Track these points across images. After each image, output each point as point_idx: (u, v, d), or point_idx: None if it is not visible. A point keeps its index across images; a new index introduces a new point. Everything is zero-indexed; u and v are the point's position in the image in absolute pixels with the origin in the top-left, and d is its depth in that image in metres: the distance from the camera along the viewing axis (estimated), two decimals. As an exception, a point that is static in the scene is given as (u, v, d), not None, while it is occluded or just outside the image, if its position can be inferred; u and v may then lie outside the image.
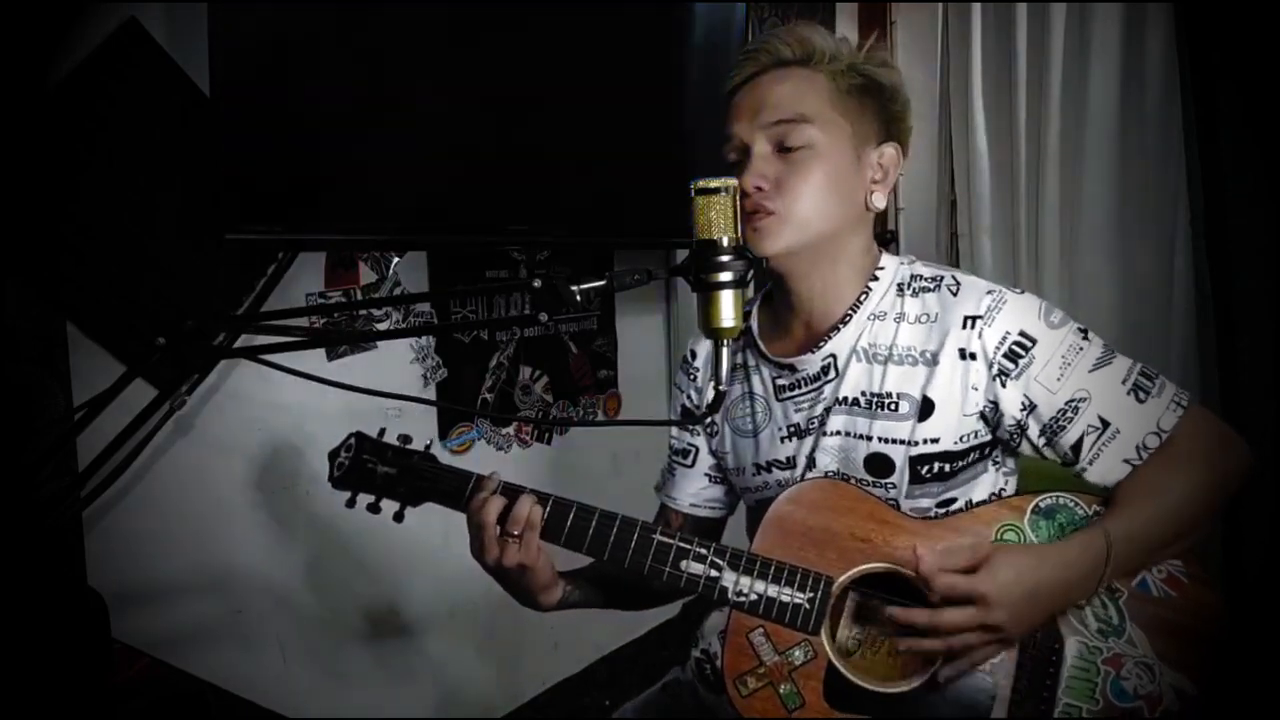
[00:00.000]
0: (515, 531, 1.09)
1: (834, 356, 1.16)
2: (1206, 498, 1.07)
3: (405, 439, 1.20)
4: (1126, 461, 1.07)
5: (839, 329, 1.15)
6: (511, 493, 1.12)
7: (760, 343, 1.22)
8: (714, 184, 0.97)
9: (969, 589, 0.99)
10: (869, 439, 1.13)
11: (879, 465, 1.13)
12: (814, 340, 1.17)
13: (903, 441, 1.11)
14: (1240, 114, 2.16)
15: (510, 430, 2.28)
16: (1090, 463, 1.08)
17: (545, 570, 1.14)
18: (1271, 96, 2.03)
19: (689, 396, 1.34)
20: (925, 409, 1.11)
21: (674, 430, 1.35)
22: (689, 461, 1.33)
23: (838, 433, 1.15)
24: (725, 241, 0.97)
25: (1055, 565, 1.02)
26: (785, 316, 1.21)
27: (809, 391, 1.18)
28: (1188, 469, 1.06)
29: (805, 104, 1.11)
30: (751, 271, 0.99)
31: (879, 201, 1.15)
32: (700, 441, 1.32)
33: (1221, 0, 2.14)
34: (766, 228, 1.10)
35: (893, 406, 1.12)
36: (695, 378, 1.33)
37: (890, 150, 1.16)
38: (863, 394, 1.14)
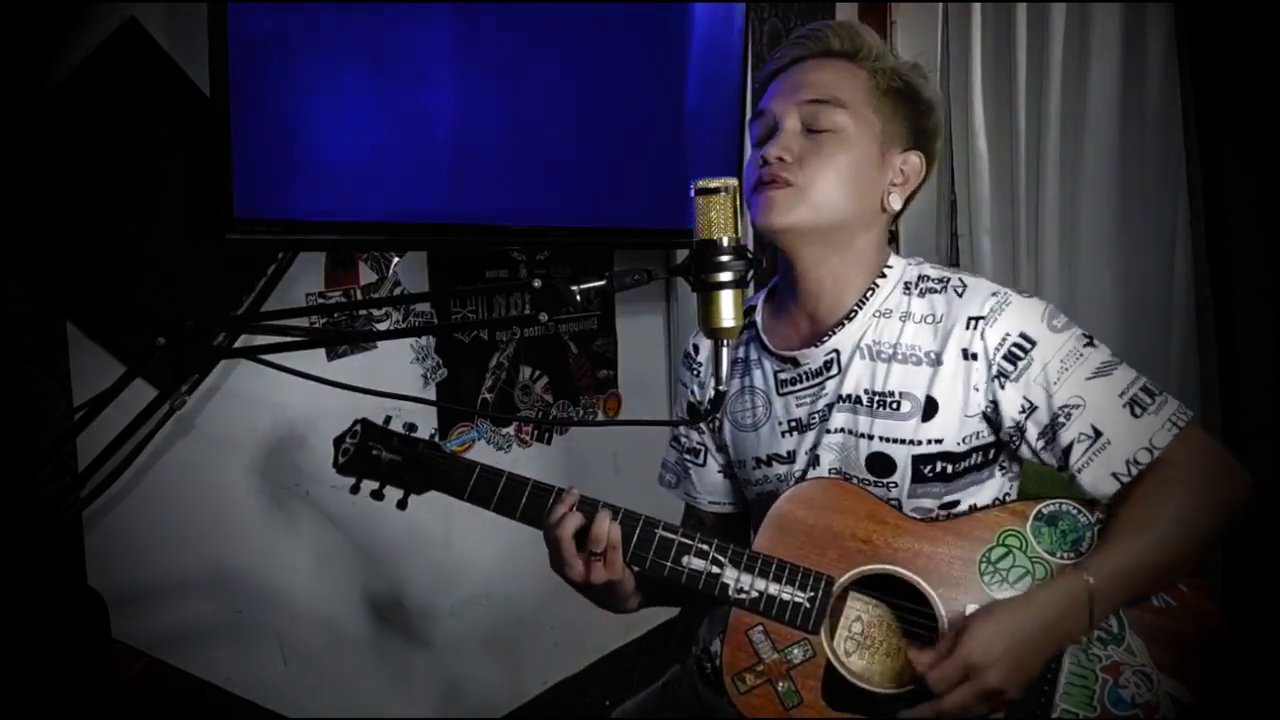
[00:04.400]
0: (597, 550, 1.08)
1: (837, 352, 1.16)
2: (1198, 530, 1.04)
3: (411, 427, 1.21)
4: (1115, 476, 1.06)
5: (843, 324, 1.15)
6: (588, 509, 1.11)
7: (764, 336, 1.22)
8: (714, 184, 0.97)
9: (956, 667, 0.99)
10: (870, 438, 1.13)
11: (880, 465, 1.13)
12: (818, 334, 1.17)
13: (904, 441, 1.11)
14: (1240, 114, 2.16)
15: (510, 430, 2.28)
16: (1079, 470, 1.07)
17: (629, 580, 1.14)
18: (1271, 96, 2.03)
19: (692, 392, 1.34)
20: (929, 409, 1.11)
21: (682, 428, 1.35)
22: (700, 460, 1.34)
23: (840, 430, 1.15)
24: (725, 241, 0.97)
25: (1030, 613, 1.01)
26: (790, 309, 1.21)
27: (810, 386, 1.18)
28: (1175, 497, 1.04)
29: (842, 90, 1.13)
30: (752, 271, 0.99)
31: (895, 203, 1.16)
32: (706, 439, 1.32)
33: (1221, 0, 2.14)
34: (781, 198, 1.11)
35: (894, 405, 1.12)
36: (699, 372, 1.33)
37: (915, 158, 1.17)
38: (865, 392, 1.14)
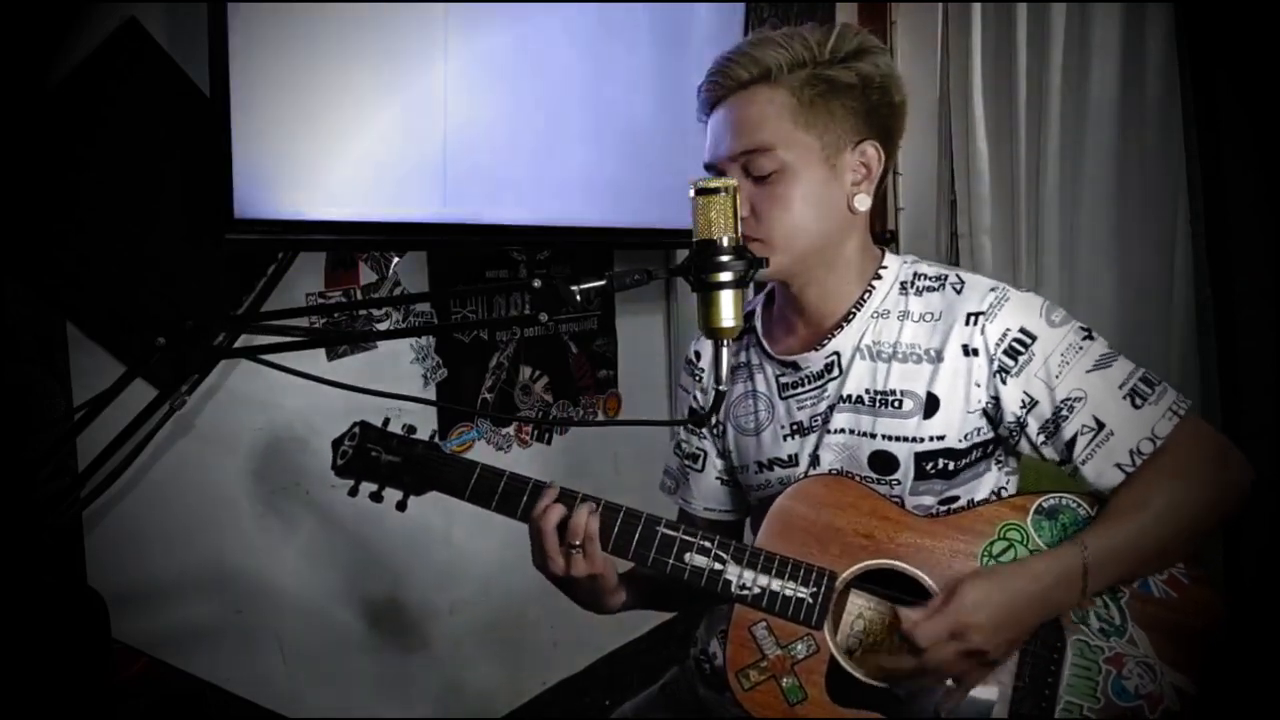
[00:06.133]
0: (575, 542, 1.09)
1: (837, 354, 1.16)
2: (1195, 512, 1.05)
3: (410, 429, 1.21)
4: (1119, 466, 1.07)
5: (842, 327, 1.16)
6: (568, 500, 1.11)
7: (764, 341, 1.23)
8: (714, 184, 0.97)
9: (944, 625, 1.00)
10: (873, 436, 1.13)
11: (883, 463, 1.13)
12: (817, 338, 1.17)
13: (907, 439, 1.12)
14: (1240, 114, 2.16)
15: (510, 430, 2.28)
16: (1083, 462, 1.07)
17: (611, 575, 1.14)
18: (1271, 96, 2.03)
19: (695, 398, 1.34)
20: (930, 406, 1.11)
21: (682, 434, 1.35)
22: (699, 466, 1.33)
23: (842, 430, 1.15)
24: (725, 241, 0.97)
25: (1024, 580, 1.02)
26: (788, 315, 1.21)
27: (812, 389, 1.18)
28: (1175, 482, 1.04)
29: (767, 130, 1.09)
30: (752, 271, 0.99)
31: (861, 204, 1.13)
32: (708, 445, 1.32)
33: (1221, 0, 2.14)
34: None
35: (896, 404, 1.12)
36: (700, 378, 1.33)
37: (869, 149, 1.12)
38: (866, 392, 1.14)
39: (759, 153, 1.09)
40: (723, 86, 1.12)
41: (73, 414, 1.47)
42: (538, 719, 2.35)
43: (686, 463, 1.34)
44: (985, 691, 1.06)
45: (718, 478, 1.33)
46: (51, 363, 1.46)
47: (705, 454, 1.32)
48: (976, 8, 2.69)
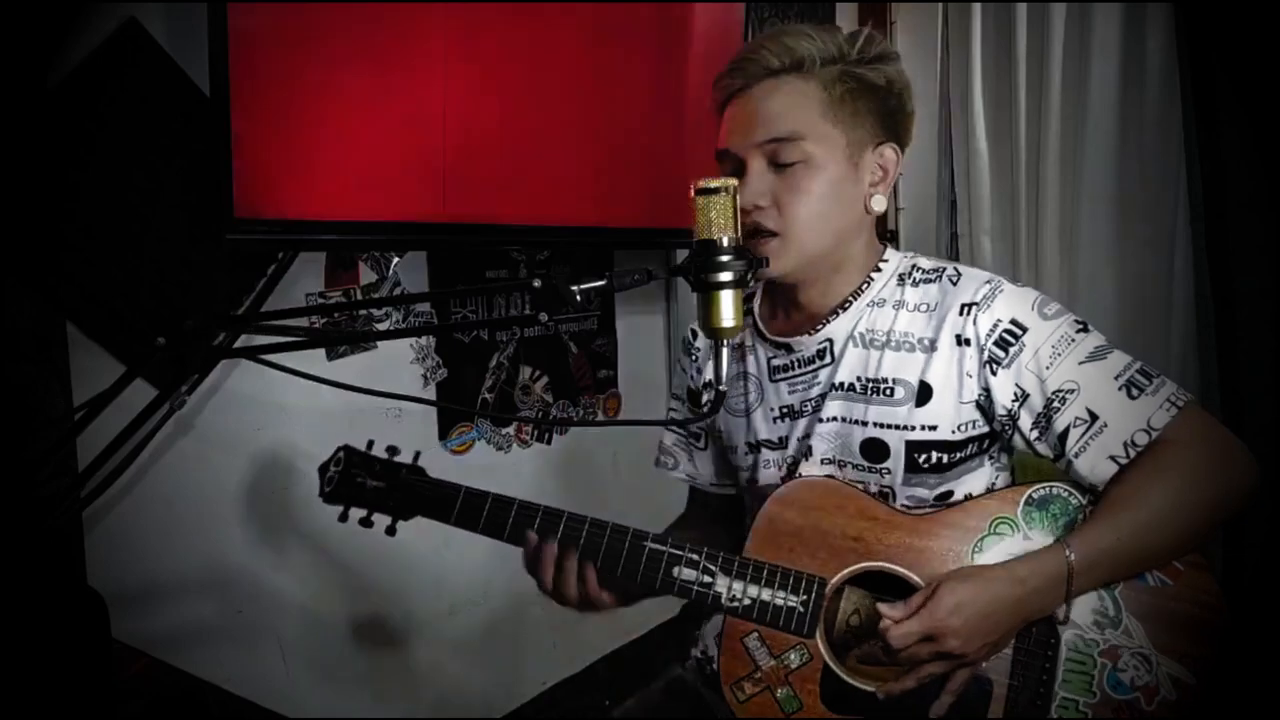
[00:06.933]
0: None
1: (830, 340, 1.16)
2: (1190, 510, 1.03)
3: (393, 450, 1.20)
4: (1112, 459, 1.05)
5: (838, 314, 1.16)
6: (550, 527, 1.12)
7: (759, 322, 1.24)
8: (714, 184, 0.97)
9: (919, 628, 1.00)
10: (864, 424, 1.13)
11: (874, 450, 1.13)
12: (812, 323, 1.18)
13: (898, 426, 1.12)
14: (1240, 114, 2.16)
15: (510, 430, 2.28)
16: (1076, 455, 1.06)
17: (603, 600, 1.16)
18: (1271, 96, 2.03)
19: (691, 377, 1.36)
20: (923, 394, 1.11)
21: (680, 413, 1.37)
22: (702, 444, 1.37)
23: (834, 419, 1.16)
24: (725, 241, 0.97)
25: (1005, 584, 1.02)
26: (786, 302, 1.22)
27: (804, 373, 1.19)
28: (1172, 476, 1.03)
29: (797, 119, 1.09)
30: (752, 271, 0.99)
31: (878, 204, 1.14)
32: (706, 425, 1.34)
33: (1221, 0, 2.14)
34: (770, 251, 1.10)
35: (888, 392, 1.12)
36: (696, 358, 1.35)
37: (889, 151, 1.14)
38: (859, 379, 1.14)
39: (787, 141, 1.09)
40: (750, 73, 1.12)
41: (73, 414, 1.47)
42: (538, 719, 2.35)
43: (692, 442, 1.37)
44: (979, 691, 1.06)
45: (721, 453, 1.34)
46: (51, 363, 1.46)
47: (704, 432, 1.35)
48: (976, 8, 2.69)
